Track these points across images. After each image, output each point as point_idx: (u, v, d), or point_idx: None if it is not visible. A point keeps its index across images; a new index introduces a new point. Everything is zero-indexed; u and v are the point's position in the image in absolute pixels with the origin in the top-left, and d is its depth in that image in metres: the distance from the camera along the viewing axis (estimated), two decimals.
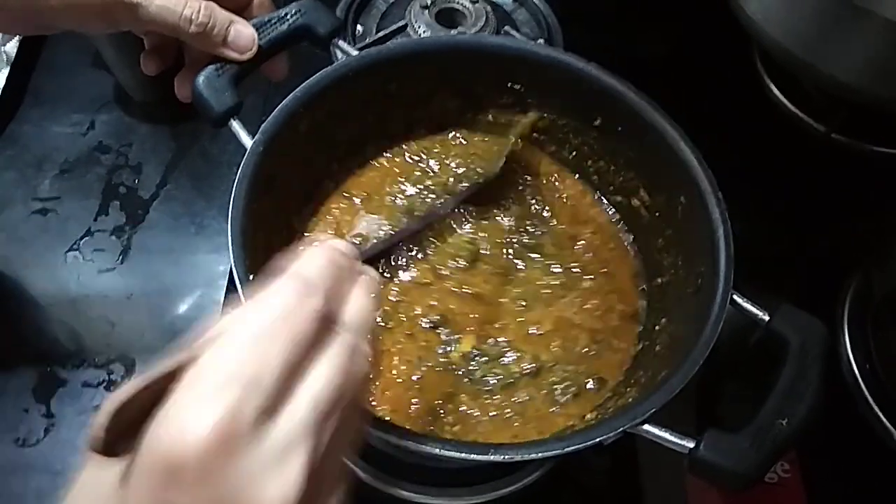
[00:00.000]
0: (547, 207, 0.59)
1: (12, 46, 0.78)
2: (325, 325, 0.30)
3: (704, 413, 0.60)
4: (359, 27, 0.76)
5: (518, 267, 0.55)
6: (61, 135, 0.76)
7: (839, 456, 0.61)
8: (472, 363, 0.51)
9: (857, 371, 0.62)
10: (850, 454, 0.61)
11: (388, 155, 0.58)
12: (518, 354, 0.51)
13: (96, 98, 0.79)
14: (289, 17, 0.52)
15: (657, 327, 0.51)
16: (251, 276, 0.42)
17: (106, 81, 0.79)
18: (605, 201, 0.59)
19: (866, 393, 0.62)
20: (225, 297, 0.66)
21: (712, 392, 0.61)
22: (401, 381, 0.49)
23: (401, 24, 0.74)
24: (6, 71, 0.77)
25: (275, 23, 0.51)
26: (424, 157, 0.59)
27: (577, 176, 0.60)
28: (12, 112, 0.77)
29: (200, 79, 0.49)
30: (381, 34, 0.74)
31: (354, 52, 0.53)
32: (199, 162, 0.76)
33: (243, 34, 0.49)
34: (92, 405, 0.61)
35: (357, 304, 0.32)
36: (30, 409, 0.61)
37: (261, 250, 0.47)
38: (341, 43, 0.54)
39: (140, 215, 0.72)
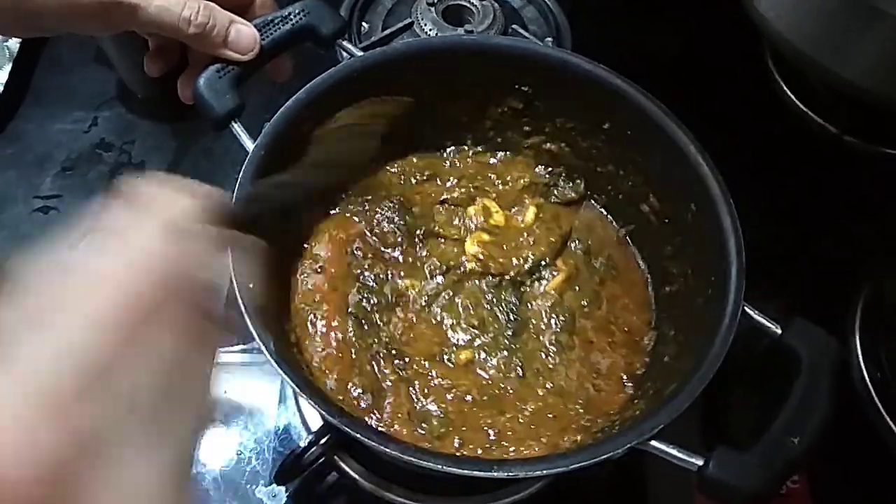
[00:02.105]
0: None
1: (14, 43, 0.77)
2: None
3: (711, 421, 0.59)
4: (364, 25, 0.75)
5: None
6: (63, 132, 0.76)
7: (848, 465, 0.60)
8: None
9: (867, 379, 0.61)
10: (860, 463, 0.60)
11: (391, 157, 0.57)
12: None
13: (98, 95, 0.78)
14: (292, 17, 0.51)
15: (666, 337, 0.50)
16: (251, 283, 0.42)
17: (108, 78, 0.78)
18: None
19: (877, 401, 0.60)
20: (227, 296, 0.65)
21: (720, 400, 0.60)
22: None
23: (407, 21, 0.73)
24: (8, 67, 0.76)
25: (278, 23, 0.50)
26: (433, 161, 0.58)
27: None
28: (14, 110, 0.76)
29: (201, 80, 0.48)
30: (386, 32, 0.73)
31: (359, 53, 0.52)
32: (202, 160, 0.75)
33: (244, 34, 0.48)
34: None
35: None
36: None
37: (261, 254, 0.46)
38: (345, 43, 0.53)
39: None
